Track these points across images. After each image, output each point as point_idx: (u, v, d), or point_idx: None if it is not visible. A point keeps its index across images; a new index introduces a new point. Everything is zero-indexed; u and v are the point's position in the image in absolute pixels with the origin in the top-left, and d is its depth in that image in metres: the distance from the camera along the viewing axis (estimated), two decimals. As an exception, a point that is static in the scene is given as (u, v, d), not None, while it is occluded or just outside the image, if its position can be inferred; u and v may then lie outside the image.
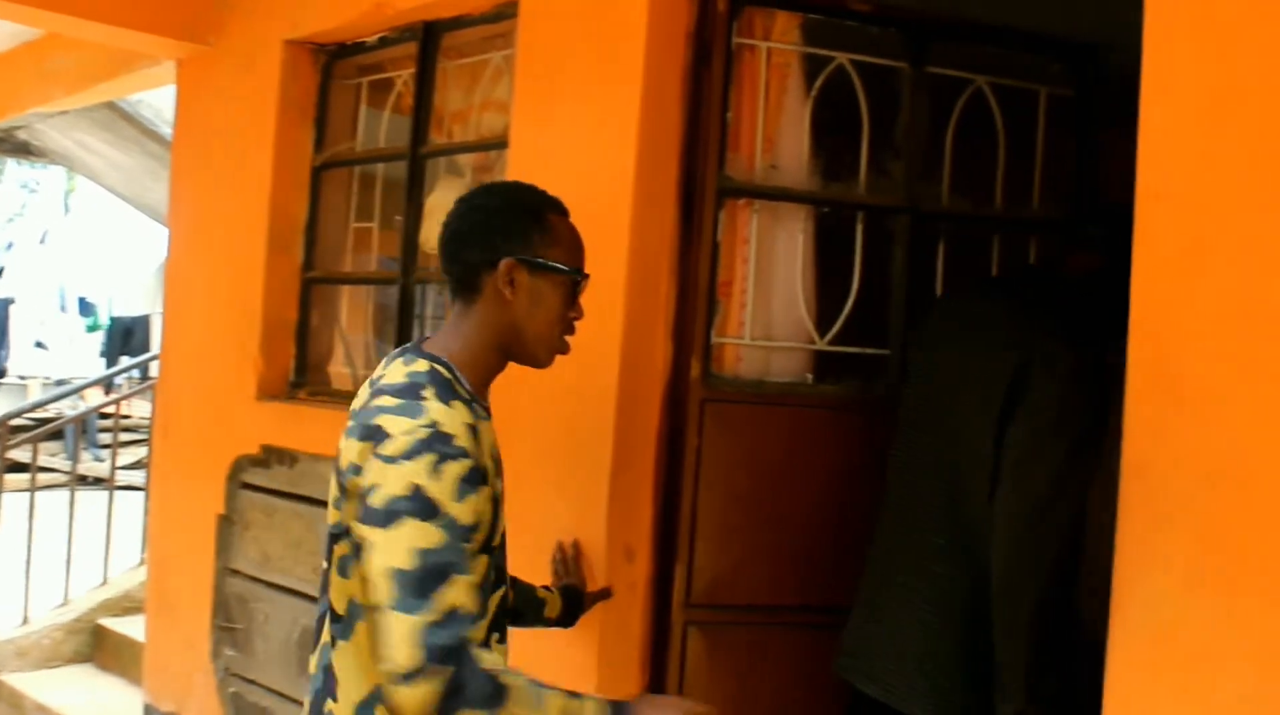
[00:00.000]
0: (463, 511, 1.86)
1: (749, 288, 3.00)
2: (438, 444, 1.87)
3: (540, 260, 2.12)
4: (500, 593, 2.14)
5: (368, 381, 2.10)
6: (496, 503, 2.09)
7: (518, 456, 3.05)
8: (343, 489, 1.98)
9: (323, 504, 3.73)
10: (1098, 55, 3.22)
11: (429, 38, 3.72)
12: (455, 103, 3.75)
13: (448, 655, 1.77)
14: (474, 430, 1.97)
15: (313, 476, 3.85)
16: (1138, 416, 2.01)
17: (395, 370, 2.04)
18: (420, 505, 1.84)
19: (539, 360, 2.19)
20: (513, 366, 2.22)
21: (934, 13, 3.09)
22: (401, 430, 1.88)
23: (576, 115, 3.09)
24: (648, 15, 2.89)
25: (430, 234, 3.70)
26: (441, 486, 1.85)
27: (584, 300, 2.94)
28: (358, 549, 1.92)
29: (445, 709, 1.77)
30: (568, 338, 2.20)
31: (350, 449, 1.96)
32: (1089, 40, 3.22)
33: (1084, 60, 3.23)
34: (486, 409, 2.13)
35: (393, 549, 1.82)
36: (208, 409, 4.34)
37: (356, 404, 2.06)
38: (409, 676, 1.76)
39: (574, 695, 1.89)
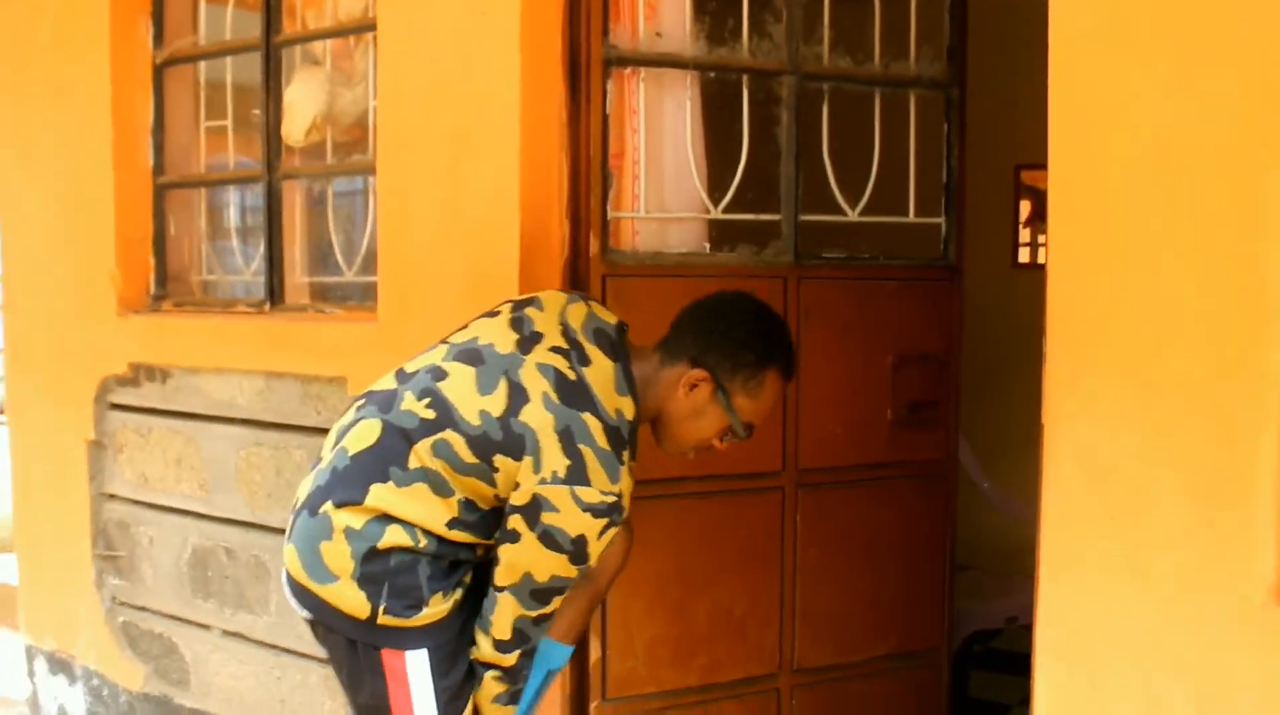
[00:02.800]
0: (595, 556, 2.15)
1: (640, 159, 2.95)
2: (615, 514, 2.11)
3: (726, 396, 2.21)
4: None
5: (558, 318, 2.24)
6: None
7: (424, 346, 3.00)
8: (482, 421, 2.11)
9: (202, 417, 3.63)
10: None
11: (273, -86, 3.52)
12: (307, -14, 3.57)
13: (530, 647, 2.22)
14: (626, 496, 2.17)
15: (189, 391, 3.70)
16: (1061, 260, 2.05)
17: (607, 382, 2.17)
18: (577, 551, 2.11)
19: (662, 447, 2.33)
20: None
21: None
22: (600, 485, 2.08)
23: (451, -11, 2.97)
24: (520, -124, 2.78)
25: (292, 128, 3.54)
26: (598, 545, 2.12)
27: (481, 186, 2.88)
28: (462, 467, 2.12)
29: (511, 677, 2.23)
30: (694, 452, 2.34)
31: (536, 421, 2.09)
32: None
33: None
34: None
35: (539, 562, 2.12)
36: (65, 331, 4.11)
37: (545, 336, 2.20)
38: (500, 645, 2.19)
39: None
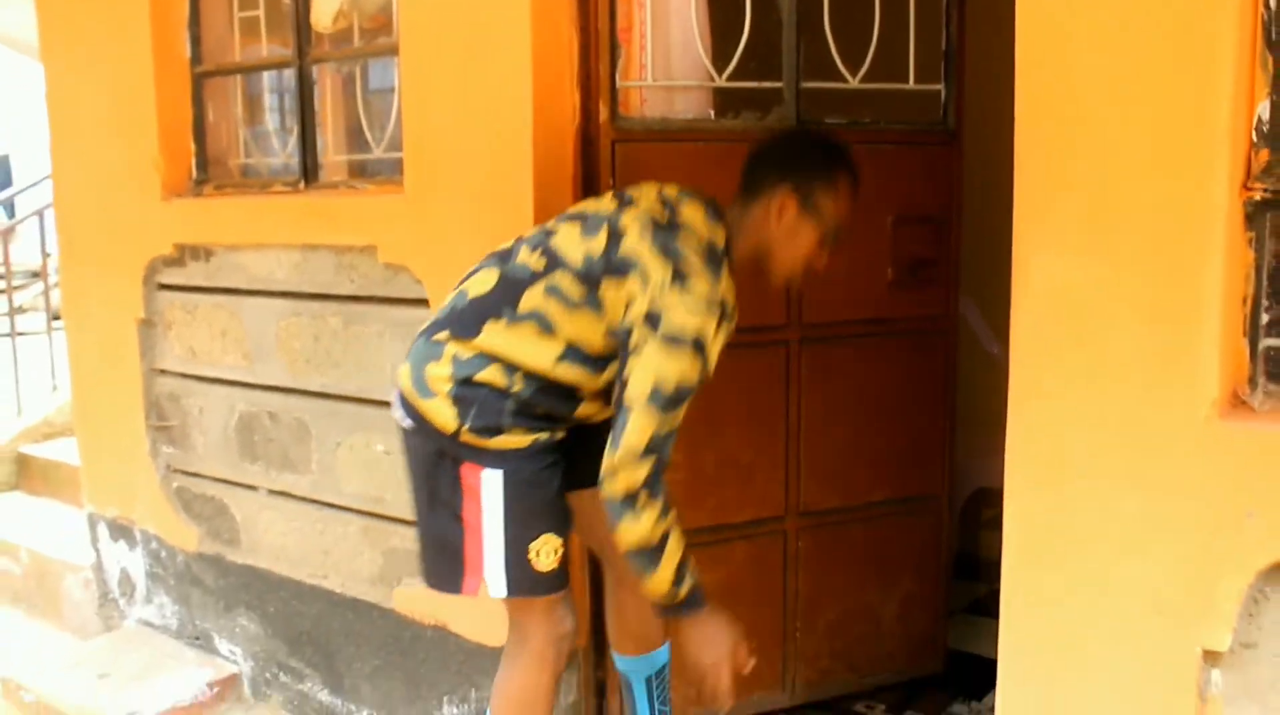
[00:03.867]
0: (713, 360, 2.33)
1: (648, 31, 3.11)
2: (720, 310, 2.32)
3: (814, 207, 2.43)
4: None
5: (655, 190, 2.50)
6: None
7: (447, 213, 3.19)
8: (585, 261, 2.38)
9: (244, 292, 3.84)
10: None
11: None
12: (331, -123, 3.70)
13: (663, 452, 2.29)
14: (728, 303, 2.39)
15: (231, 268, 3.92)
16: (1028, 106, 2.20)
17: (698, 217, 2.44)
18: (698, 349, 2.28)
19: (774, 280, 2.53)
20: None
21: None
22: (703, 288, 2.30)
23: None
24: None
25: (321, 13, 3.71)
26: (715, 342, 2.31)
27: (496, 61, 3.01)
28: (561, 284, 2.38)
29: (651, 486, 2.29)
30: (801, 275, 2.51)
31: (635, 246, 2.35)
32: None
33: None
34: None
35: (664, 367, 2.26)
36: (113, 218, 4.33)
37: (642, 200, 2.46)
38: (641, 454, 2.26)
39: (682, 564, 2.36)
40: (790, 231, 2.45)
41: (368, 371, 3.51)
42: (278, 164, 4.04)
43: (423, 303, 3.29)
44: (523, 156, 3.01)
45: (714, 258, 2.38)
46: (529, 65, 2.99)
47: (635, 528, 2.29)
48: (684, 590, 2.36)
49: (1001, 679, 2.32)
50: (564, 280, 2.38)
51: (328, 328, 3.61)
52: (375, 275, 3.44)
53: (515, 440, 2.40)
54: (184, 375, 4.16)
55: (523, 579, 2.45)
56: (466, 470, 2.41)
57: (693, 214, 2.44)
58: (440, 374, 2.42)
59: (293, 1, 3.77)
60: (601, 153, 3.01)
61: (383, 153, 3.66)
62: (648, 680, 2.85)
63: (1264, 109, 2.04)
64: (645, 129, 3.08)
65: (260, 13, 4.02)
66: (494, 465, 2.40)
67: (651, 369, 2.26)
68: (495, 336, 2.39)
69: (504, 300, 2.42)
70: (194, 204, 4.06)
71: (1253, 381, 2.09)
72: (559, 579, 2.48)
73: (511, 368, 2.39)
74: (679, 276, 2.29)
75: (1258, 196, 2.05)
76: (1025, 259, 2.25)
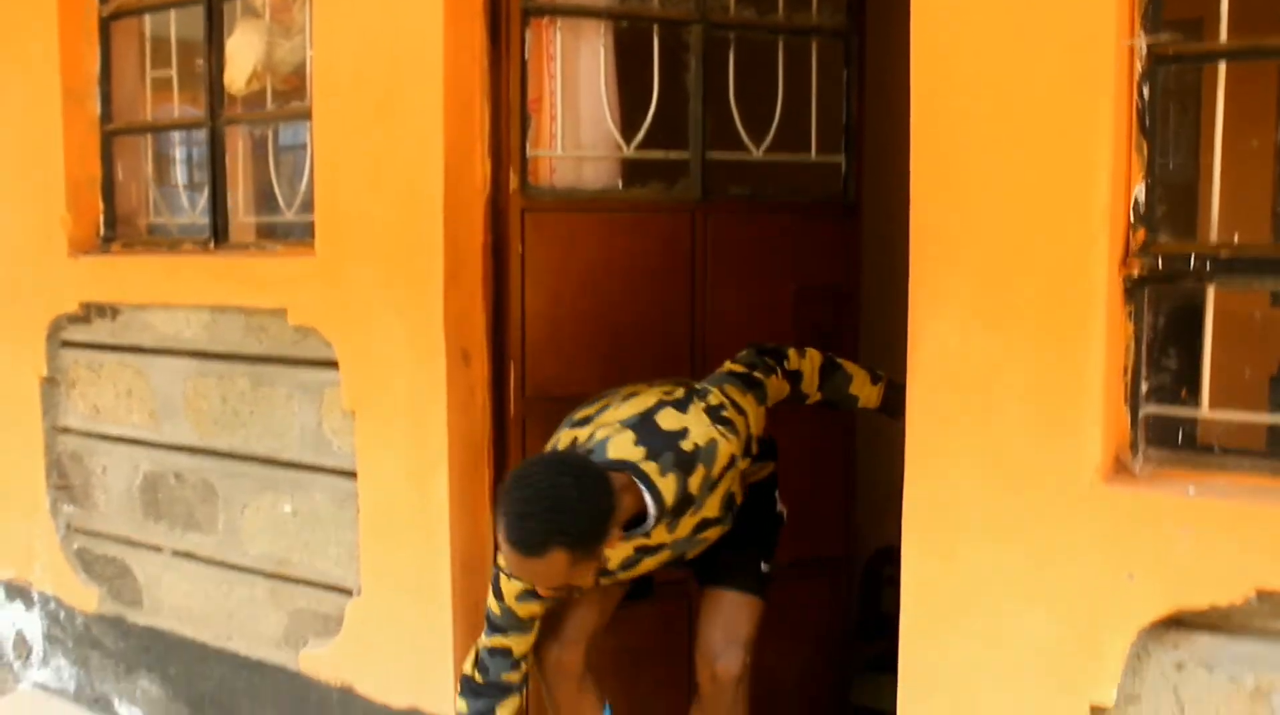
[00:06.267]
0: (508, 598, 2.64)
1: (558, 103, 3.18)
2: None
3: None
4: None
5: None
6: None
7: (358, 276, 3.23)
8: None
9: (151, 351, 3.83)
10: None
11: (214, -126, 3.69)
12: (247, -57, 3.75)
13: (483, 670, 2.73)
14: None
15: (138, 326, 3.90)
16: (923, 186, 2.31)
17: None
18: (495, 587, 2.68)
19: None
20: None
21: None
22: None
23: (380, -55, 3.17)
24: None
25: (234, 77, 3.73)
26: (506, 584, 2.64)
27: (408, 128, 3.07)
28: None
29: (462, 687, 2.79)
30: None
31: None
32: None
33: None
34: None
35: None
36: (16, 274, 4.28)
37: None
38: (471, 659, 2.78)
39: None
40: None
41: (276, 433, 3.51)
42: (187, 224, 4.03)
43: (332, 365, 3.32)
44: (433, 223, 3.06)
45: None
46: (441, 134, 3.05)
47: None
48: None
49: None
50: None
51: (236, 388, 3.61)
52: (285, 337, 3.45)
53: None
54: (87, 434, 4.11)
55: None
56: None
57: None
58: None
59: (206, 62, 3.80)
60: (511, 221, 3.08)
61: (294, 215, 3.68)
62: None
63: (1140, 191, 2.17)
64: (554, 198, 3.15)
65: (173, 72, 4.03)
66: None
67: None
68: None
69: None
70: (101, 261, 4.04)
71: (1134, 446, 2.20)
72: None
73: None
74: None
75: (1135, 273, 2.17)
76: (919, 328, 2.35)
